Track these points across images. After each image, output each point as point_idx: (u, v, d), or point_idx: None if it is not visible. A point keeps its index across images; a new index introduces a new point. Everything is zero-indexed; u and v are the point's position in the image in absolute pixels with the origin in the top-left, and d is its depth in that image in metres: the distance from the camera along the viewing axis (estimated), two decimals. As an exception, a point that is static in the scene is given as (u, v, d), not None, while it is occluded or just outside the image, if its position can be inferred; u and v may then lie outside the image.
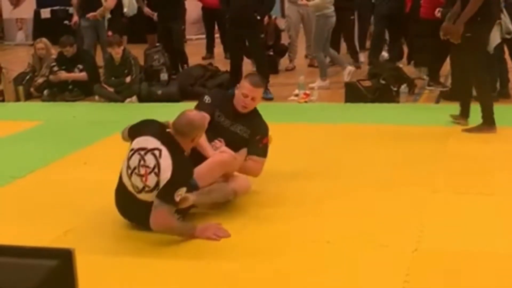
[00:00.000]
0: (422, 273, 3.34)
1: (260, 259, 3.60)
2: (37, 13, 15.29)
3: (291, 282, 3.34)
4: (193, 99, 7.96)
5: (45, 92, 8.77)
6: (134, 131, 4.01)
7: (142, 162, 3.77)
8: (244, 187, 4.27)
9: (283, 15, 12.50)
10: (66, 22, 12.82)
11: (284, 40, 10.51)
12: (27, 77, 9.14)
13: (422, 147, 5.61)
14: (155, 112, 7.33)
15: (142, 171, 3.76)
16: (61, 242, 3.84)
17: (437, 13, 7.61)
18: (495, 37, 6.14)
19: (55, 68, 8.77)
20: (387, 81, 7.79)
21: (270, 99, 8.10)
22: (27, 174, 5.27)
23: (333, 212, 4.23)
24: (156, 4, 9.88)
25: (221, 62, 10.20)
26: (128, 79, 8.37)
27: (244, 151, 4.34)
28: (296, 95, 8.16)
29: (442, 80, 8.32)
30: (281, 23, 11.06)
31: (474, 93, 7.55)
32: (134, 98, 8.31)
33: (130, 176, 3.84)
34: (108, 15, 9.35)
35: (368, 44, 10.73)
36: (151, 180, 3.73)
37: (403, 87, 7.83)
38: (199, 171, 4.01)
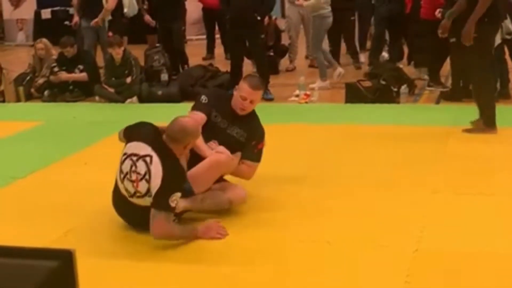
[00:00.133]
0: (422, 274, 3.35)
1: (260, 260, 3.60)
2: (37, 14, 15.29)
3: (291, 283, 3.34)
4: (194, 99, 7.94)
5: (46, 92, 8.77)
6: (128, 134, 3.99)
7: (133, 168, 3.76)
8: (239, 197, 4.19)
9: (283, 16, 12.50)
10: (66, 22, 12.81)
11: (285, 40, 10.51)
12: (28, 77, 9.15)
13: (422, 147, 5.61)
14: (156, 113, 7.34)
15: (134, 177, 3.75)
16: (62, 242, 3.84)
17: (438, 13, 7.61)
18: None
19: (56, 69, 8.78)
20: (387, 82, 7.79)
21: (271, 99, 8.10)
22: (28, 174, 5.27)
23: (333, 212, 4.23)
24: (156, 4, 9.88)
25: (222, 62, 10.20)
26: (128, 79, 8.37)
27: (239, 154, 4.28)
28: (297, 96, 8.17)
29: (442, 80, 8.32)
30: (282, 24, 11.06)
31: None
32: (135, 98, 8.31)
33: (122, 180, 3.84)
34: (109, 17, 9.35)
35: (368, 44, 10.73)
36: (142, 186, 3.72)
37: (403, 88, 7.83)
38: (196, 172, 3.99)
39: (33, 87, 9.00)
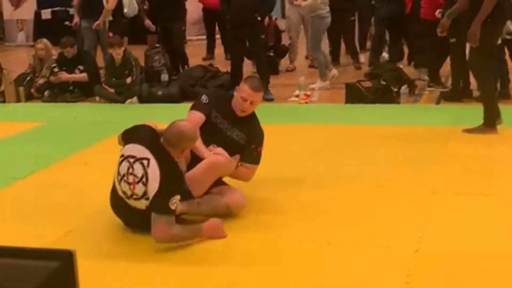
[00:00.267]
0: (423, 274, 3.35)
1: (260, 261, 3.60)
2: (37, 14, 15.30)
3: (291, 283, 3.34)
4: (194, 100, 7.96)
5: (46, 93, 8.77)
6: (126, 136, 3.97)
7: (130, 170, 3.74)
8: (237, 202, 4.11)
9: (283, 16, 12.51)
10: (66, 23, 12.81)
11: (285, 41, 10.52)
12: (28, 78, 9.15)
13: (423, 147, 5.61)
14: (156, 113, 7.35)
15: (131, 179, 3.73)
16: (62, 243, 3.84)
17: (438, 14, 7.62)
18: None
19: (56, 69, 8.78)
20: (387, 82, 7.79)
21: (271, 100, 8.10)
22: (28, 175, 5.27)
23: (333, 213, 4.22)
24: (156, 4, 9.88)
25: (222, 63, 10.20)
26: (128, 80, 8.37)
27: (237, 156, 4.25)
28: (297, 96, 8.17)
29: (442, 80, 8.33)
30: (282, 24, 11.07)
31: (475, 94, 7.58)
32: (135, 99, 8.31)
33: (119, 182, 3.82)
34: (110, 17, 9.35)
35: (368, 45, 10.73)
36: (139, 189, 3.71)
37: (404, 88, 7.83)
38: (193, 174, 3.96)
39: (34, 88, 9.00)
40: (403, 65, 9.45)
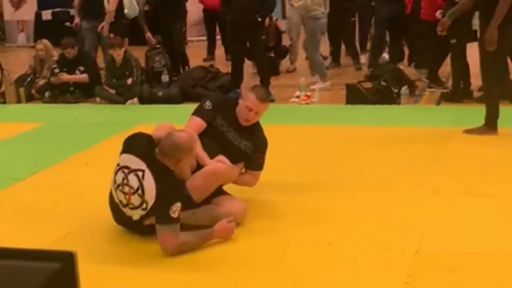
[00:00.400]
0: (423, 275, 3.35)
1: (260, 261, 3.60)
2: (38, 15, 15.31)
3: (292, 284, 3.34)
4: (194, 100, 7.98)
5: (46, 94, 8.78)
6: (124, 144, 3.91)
7: (125, 181, 3.71)
8: (237, 212, 3.97)
9: (284, 17, 12.51)
10: (67, 24, 12.82)
11: (285, 41, 10.52)
12: (29, 79, 9.15)
13: (423, 148, 5.61)
14: (156, 114, 7.35)
15: (126, 189, 3.71)
16: (62, 244, 3.84)
17: (438, 15, 7.62)
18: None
19: (56, 70, 8.78)
20: (388, 83, 7.79)
21: (271, 100, 8.08)
22: (28, 175, 5.27)
23: (334, 213, 4.23)
24: (157, 5, 9.88)
25: (222, 63, 10.21)
26: (129, 80, 8.37)
27: (241, 164, 4.22)
28: (297, 97, 8.17)
29: (443, 81, 8.34)
30: (282, 25, 11.07)
31: (475, 94, 7.58)
32: (135, 99, 8.31)
33: (116, 190, 3.80)
34: (111, 19, 9.34)
35: (368, 45, 10.74)
36: (135, 200, 3.68)
37: (404, 89, 7.83)
38: (194, 180, 3.90)
39: (34, 88, 9.00)
40: (403, 66, 9.44)
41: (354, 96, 7.75)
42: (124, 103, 8.24)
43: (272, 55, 10.04)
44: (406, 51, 10.14)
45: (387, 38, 9.89)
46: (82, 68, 8.79)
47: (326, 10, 9.23)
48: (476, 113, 6.11)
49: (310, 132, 6.40)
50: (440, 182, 4.76)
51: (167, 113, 7.23)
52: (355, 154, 5.53)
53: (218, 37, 11.81)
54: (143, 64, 9.01)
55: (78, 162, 5.63)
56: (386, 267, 3.45)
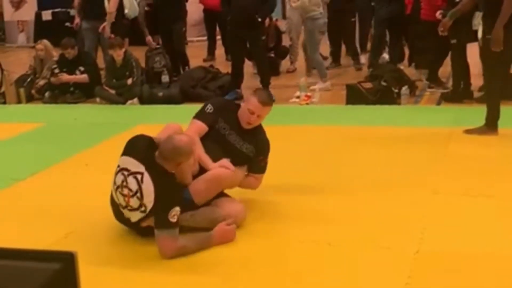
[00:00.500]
0: (424, 275, 3.35)
1: (260, 261, 3.60)
2: (38, 15, 15.31)
3: (292, 284, 3.34)
4: (194, 101, 8.02)
5: (47, 94, 8.78)
6: (126, 146, 3.90)
7: (125, 183, 3.71)
8: (237, 214, 3.95)
9: (284, 17, 12.51)
10: (67, 24, 12.82)
11: (285, 42, 10.52)
12: (29, 79, 9.15)
13: (423, 148, 5.61)
14: (156, 114, 7.36)
15: (125, 191, 3.71)
16: (62, 244, 3.84)
17: (438, 15, 7.62)
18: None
19: (57, 70, 8.78)
20: (388, 83, 7.78)
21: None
22: (28, 176, 5.27)
23: (334, 213, 4.23)
24: (157, 5, 9.88)
25: (222, 64, 10.21)
26: (129, 81, 8.37)
27: (244, 168, 4.22)
28: (297, 97, 8.17)
29: (443, 81, 8.33)
30: (282, 25, 11.06)
31: (476, 94, 7.58)
32: (136, 100, 8.31)
33: (115, 191, 3.80)
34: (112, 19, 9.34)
35: (369, 46, 10.73)
36: (134, 202, 3.68)
37: (404, 89, 7.83)
38: (197, 185, 3.90)
39: (34, 89, 9.00)
40: (403, 66, 9.44)
41: (355, 96, 7.75)
42: (124, 103, 8.24)
43: (272, 55, 10.03)
44: (406, 51, 10.14)
45: (387, 38, 9.89)
46: (82, 69, 8.79)
47: (324, 11, 9.21)
48: (476, 113, 6.11)
49: (310, 132, 6.40)
50: (440, 182, 4.76)
51: (167, 114, 7.23)
52: (355, 154, 5.54)
53: (218, 37, 11.81)
54: (143, 65, 9.01)
55: (78, 162, 5.63)
56: (386, 268, 3.45)
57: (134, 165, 3.70)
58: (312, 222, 4.09)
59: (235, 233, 3.81)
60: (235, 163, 4.07)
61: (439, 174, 4.93)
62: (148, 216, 3.66)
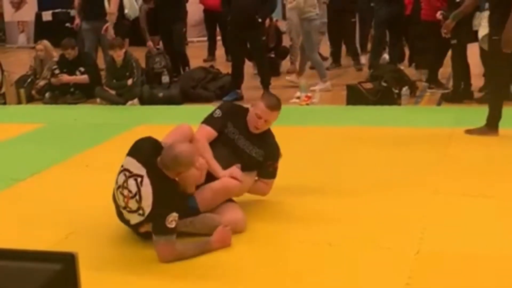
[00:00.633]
0: (424, 276, 3.35)
1: (260, 261, 3.60)
2: (38, 16, 15.32)
3: (292, 284, 3.34)
4: (195, 101, 8.02)
5: (47, 94, 8.78)
6: (132, 147, 3.89)
7: (125, 184, 3.70)
8: (237, 222, 3.91)
9: (284, 18, 12.49)
10: (67, 24, 12.82)
11: (286, 42, 10.52)
12: (29, 79, 9.15)
13: (424, 149, 5.62)
14: (157, 115, 7.36)
15: (125, 192, 3.70)
16: (63, 245, 3.84)
17: (439, 15, 7.62)
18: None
19: (57, 71, 8.79)
20: (388, 83, 7.78)
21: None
22: (29, 176, 5.28)
23: (334, 214, 4.23)
24: (157, 5, 9.87)
25: (223, 64, 10.21)
26: (129, 81, 8.37)
27: (254, 173, 4.20)
28: (298, 98, 8.17)
29: (443, 81, 8.33)
30: (283, 26, 11.06)
31: (476, 95, 7.58)
32: (136, 100, 8.31)
33: (117, 190, 3.80)
34: (114, 20, 9.34)
35: (369, 46, 10.74)
36: (132, 204, 3.67)
37: (405, 89, 7.83)
38: (203, 194, 3.90)
39: (34, 89, 9.00)
40: (404, 66, 9.44)
41: (355, 96, 7.75)
42: (124, 104, 8.24)
43: (273, 55, 10.04)
44: (407, 51, 10.14)
45: (387, 38, 9.89)
46: (82, 69, 8.79)
47: (321, 12, 9.20)
48: (477, 114, 6.11)
49: (310, 132, 6.40)
50: (440, 182, 4.76)
51: (168, 114, 7.23)
52: (356, 155, 5.54)
53: (219, 37, 11.81)
54: (143, 65, 9.02)
55: (79, 163, 5.63)
56: (386, 268, 3.45)
57: (136, 167, 3.70)
58: (312, 222, 4.09)
59: (231, 236, 3.77)
60: (245, 168, 4.07)
61: (439, 174, 4.93)
62: (146, 221, 3.65)
